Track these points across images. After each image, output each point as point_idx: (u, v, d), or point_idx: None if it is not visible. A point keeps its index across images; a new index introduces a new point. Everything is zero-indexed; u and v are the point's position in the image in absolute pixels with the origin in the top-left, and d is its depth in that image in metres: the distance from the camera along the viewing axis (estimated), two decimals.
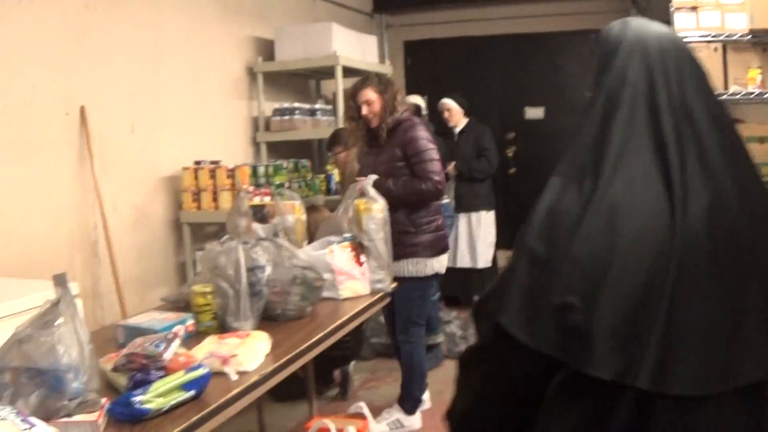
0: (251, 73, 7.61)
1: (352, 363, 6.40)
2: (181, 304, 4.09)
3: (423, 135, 5.26)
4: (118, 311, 5.54)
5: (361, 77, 5.54)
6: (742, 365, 1.52)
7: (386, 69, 8.62)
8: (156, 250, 6.27)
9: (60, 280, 2.73)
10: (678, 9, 5.30)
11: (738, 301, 1.54)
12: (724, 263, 1.54)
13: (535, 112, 10.61)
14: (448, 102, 8.17)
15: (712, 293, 1.52)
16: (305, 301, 3.91)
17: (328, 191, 7.79)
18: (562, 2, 10.13)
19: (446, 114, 8.20)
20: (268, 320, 3.80)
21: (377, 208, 4.53)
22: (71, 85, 5.37)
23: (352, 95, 5.38)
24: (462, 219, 8.43)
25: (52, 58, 5.22)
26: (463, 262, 8.51)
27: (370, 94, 5.27)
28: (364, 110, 5.28)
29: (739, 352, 1.52)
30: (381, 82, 5.40)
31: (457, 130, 8.25)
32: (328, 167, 7.87)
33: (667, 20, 5.21)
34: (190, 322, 3.61)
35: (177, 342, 2.99)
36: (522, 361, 1.61)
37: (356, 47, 7.87)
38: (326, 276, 4.10)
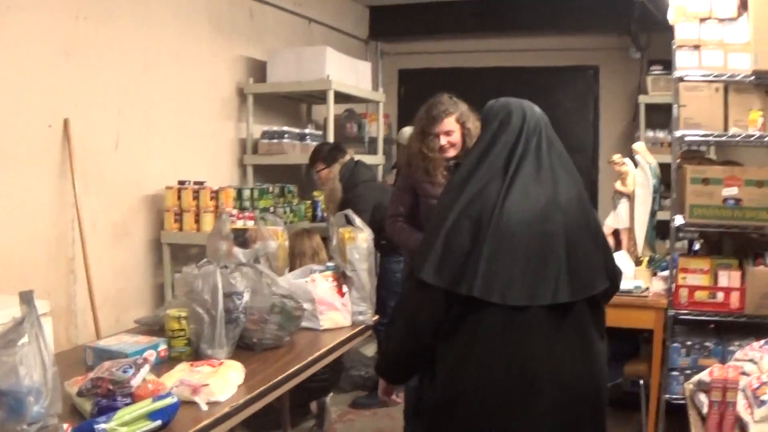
0: (241, 94, 7.49)
1: (330, 395, 6.24)
2: (155, 328, 4.02)
3: None
4: (93, 330, 5.40)
5: (437, 101, 4.92)
6: (546, 291, 2.62)
7: (380, 97, 8.55)
8: (134, 269, 6.13)
9: (26, 298, 2.61)
10: (680, 47, 5.21)
11: (542, 255, 2.65)
12: (526, 235, 2.64)
13: None
14: None
15: (517, 250, 2.64)
16: (283, 331, 3.78)
17: (314, 218, 7.67)
18: (561, 37, 10.00)
19: None
20: (244, 348, 3.70)
21: (362, 238, 4.40)
22: (56, 96, 5.25)
23: (433, 122, 4.82)
24: None
25: (38, 68, 5.12)
26: None
27: (451, 124, 4.79)
28: (443, 140, 4.77)
29: (545, 283, 2.62)
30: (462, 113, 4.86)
31: None
32: (315, 193, 7.74)
33: (669, 58, 5.16)
34: (163, 347, 3.50)
35: (146, 368, 2.88)
36: (433, 298, 2.70)
37: (350, 73, 7.76)
38: (306, 306, 3.96)
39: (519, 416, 2.63)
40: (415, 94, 10.84)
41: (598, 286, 2.76)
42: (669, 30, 5.32)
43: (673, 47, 5.25)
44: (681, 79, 5.23)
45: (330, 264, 4.48)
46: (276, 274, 4.13)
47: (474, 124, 4.70)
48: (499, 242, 2.61)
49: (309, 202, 7.71)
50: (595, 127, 10.22)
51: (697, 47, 5.19)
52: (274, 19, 8.15)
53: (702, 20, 5.21)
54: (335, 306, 4.23)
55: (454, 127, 4.78)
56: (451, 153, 4.78)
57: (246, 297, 3.58)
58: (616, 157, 6.06)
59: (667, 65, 8.28)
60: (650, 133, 8.76)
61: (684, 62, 5.22)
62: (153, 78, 6.22)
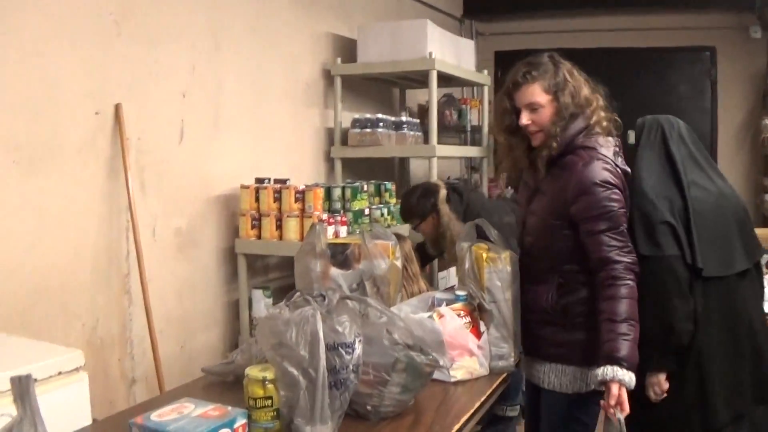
0: (328, 76, 6.70)
1: None
2: (228, 378, 3.14)
3: (603, 177, 3.33)
4: (152, 361, 4.72)
5: (524, 63, 3.48)
6: (737, 260, 3.39)
7: (485, 79, 7.73)
8: (203, 285, 5.40)
9: (21, 388, 1.62)
10: None
11: (728, 233, 3.39)
12: (714, 216, 3.36)
13: None
14: None
15: (712, 226, 3.34)
16: (408, 394, 2.75)
17: None
18: (673, 15, 9.33)
19: None
20: (352, 417, 2.73)
21: (505, 258, 3.30)
22: (105, 77, 4.59)
23: (507, 93, 3.48)
24: None
25: (82, 43, 4.44)
26: None
27: (537, 95, 3.39)
28: (525, 119, 3.41)
29: (734, 254, 3.39)
30: (557, 75, 3.41)
31: None
32: None
33: None
34: (241, 421, 2.45)
35: None
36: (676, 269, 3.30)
37: (452, 52, 6.86)
38: (442, 362, 2.86)
39: (733, 360, 3.36)
40: None
41: (760, 254, 3.57)
42: None
43: None
44: None
45: (460, 293, 3.39)
46: (387, 306, 3.09)
47: (577, 98, 3.43)
48: (700, 224, 3.31)
49: None
50: (713, 115, 9.67)
51: None
52: None
53: None
54: (470, 350, 3.18)
55: (542, 99, 3.40)
56: (537, 140, 3.46)
57: (358, 350, 2.56)
58: None
59: None
60: None
61: None
62: (223, 56, 5.54)
